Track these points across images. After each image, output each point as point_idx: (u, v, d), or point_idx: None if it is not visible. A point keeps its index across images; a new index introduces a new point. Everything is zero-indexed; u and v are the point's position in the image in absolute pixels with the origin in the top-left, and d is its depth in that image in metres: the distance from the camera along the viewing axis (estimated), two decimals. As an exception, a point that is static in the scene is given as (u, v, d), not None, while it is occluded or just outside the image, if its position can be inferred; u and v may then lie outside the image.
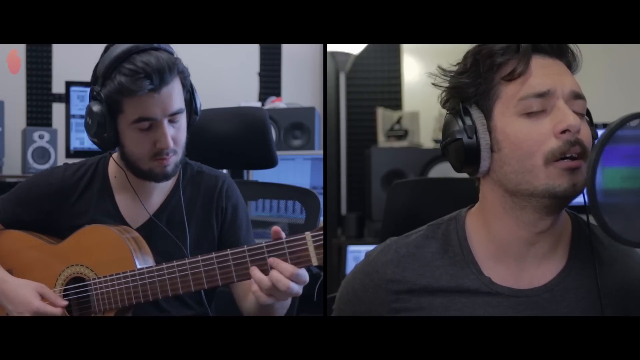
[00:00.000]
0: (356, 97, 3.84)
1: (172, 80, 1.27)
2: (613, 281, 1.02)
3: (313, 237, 1.14)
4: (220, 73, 3.68)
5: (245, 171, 2.76)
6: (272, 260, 1.14)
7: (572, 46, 1.02)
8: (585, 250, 1.03)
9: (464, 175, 1.06)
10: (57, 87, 3.69)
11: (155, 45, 1.28)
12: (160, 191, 1.41)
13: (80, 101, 3.56)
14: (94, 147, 1.36)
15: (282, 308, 1.30)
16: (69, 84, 3.59)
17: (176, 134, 1.31)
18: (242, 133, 1.74)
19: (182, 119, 1.33)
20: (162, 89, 1.26)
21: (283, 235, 1.15)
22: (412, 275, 1.05)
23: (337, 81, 3.73)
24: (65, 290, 1.33)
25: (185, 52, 1.35)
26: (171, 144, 1.29)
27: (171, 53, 1.30)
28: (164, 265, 1.24)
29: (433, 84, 1.05)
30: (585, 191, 0.92)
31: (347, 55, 3.62)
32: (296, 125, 3.21)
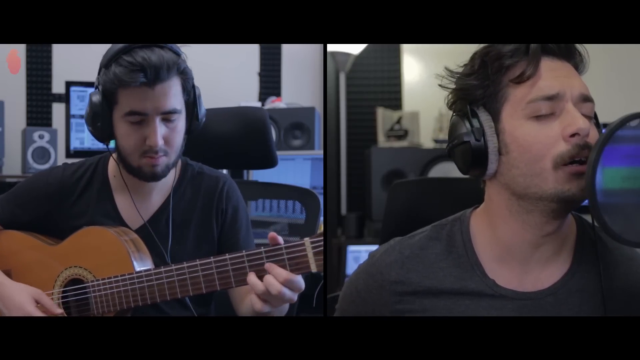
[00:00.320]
0: (356, 97, 3.83)
1: (169, 79, 1.26)
2: (617, 284, 1.01)
3: (312, 243, 1.13)
4: (220, 73, 3.68)
5: (245, 171, 2.75)
6: (267, 265, 1.14)
7: (579, 47, 1.01)
8: (590, 253, 1.02)
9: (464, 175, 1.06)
10: (57, 87, 3.68)
11: (163, 44, 1.27)
12: (160, 191, 1.41)
13: (80, 101, 3.55)
14: (94, 147, 1.37)
15: (279, 314, 1.28)
16: (69, 84, 3.58)
17: (169, 135, 1.30)
18: (242, 133, 1.74)
19: (179, 121, 1.31)
20: (157, 85, 1.25)
21: (280, 240, 1.15)
22: (416, 277, 1.04)
23: (337, 81, 3.72)
24: (63, 292, 1.33)
25: (185, 52, 1.34)
26: (160, 142, 1.27)
27: (177, 54, 1.30)
28: (162, 269, 1.23)
29: (440, 85, 1.04)
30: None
31: (347, 55, 3.62)
32: (296, 125, 3.20)
